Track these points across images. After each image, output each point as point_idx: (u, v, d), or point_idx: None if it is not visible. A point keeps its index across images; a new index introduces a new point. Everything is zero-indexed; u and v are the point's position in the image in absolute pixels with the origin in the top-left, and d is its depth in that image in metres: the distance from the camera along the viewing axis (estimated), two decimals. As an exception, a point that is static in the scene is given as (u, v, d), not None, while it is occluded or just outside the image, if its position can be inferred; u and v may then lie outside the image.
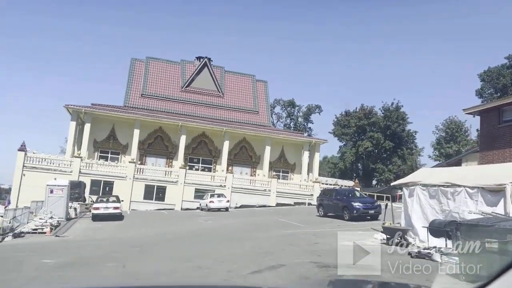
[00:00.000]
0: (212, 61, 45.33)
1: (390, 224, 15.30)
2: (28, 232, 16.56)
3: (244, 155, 40.16)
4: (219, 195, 30.50)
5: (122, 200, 24.82)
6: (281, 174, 40.00)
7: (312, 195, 36.95)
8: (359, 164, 68.54)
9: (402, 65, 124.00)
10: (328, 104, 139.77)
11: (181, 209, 33.62)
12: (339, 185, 39.13)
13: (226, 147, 38.02)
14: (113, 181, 33.23)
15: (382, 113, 69.00)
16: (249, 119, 43.21)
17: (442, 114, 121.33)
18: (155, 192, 33.84)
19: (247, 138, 40.07)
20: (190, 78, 43.33)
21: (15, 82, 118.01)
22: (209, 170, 38.41)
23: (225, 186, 35.08)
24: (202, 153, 39.18)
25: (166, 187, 34.15)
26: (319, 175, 41.39)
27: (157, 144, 38.13)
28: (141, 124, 36.70)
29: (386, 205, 17.11)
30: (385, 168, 65.54)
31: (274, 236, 15.20)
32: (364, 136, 67.94)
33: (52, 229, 17.23)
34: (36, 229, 16.78)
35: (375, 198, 30.44)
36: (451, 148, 58.66)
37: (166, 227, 19.88)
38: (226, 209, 29.37)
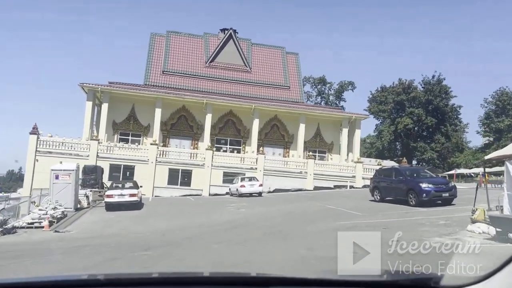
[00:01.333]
0: (237, 33, 41.45)
1: (494, 211, 11.30)
2: (23, 227, 13.51)
3: (276, 135, 36.42)
4: (250, 179, 27.00)
5: (141, 186, 21.58)
6: (317, 154, 36.03)
7: (354, 176, 33.06)
8: (397, 143, 63.52)
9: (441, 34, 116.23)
10: (362, 80, 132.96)
11: (209, 194, 30.40)
12: (383, 166, 34.89)
13: (256, 126, 34.34)
14: (134, 166, 30.22)
15: (422, 87, 63.57)
16: (280, 95, 39.31)
17: (489, 87, 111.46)
18: (180, 177, 30.66)
19: (279, 116, 36.27)
20: (214, 53, 39.64)
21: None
22: (238, 151, 34.92)
23: (256, 168, 31.55)
24: (230, 133, 35.68)
25: (192, 170, 30.91)
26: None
27: (181, 125, 34.85)
28: (163, 103, 33.44)
29: (478, 186, 13.00)
30: (427, 147, 60.44)
31: (329, 230, 11.46)
32: (403, 112, 62.77)
33: (53, 222, 14.11)
34: (32, 223, 13.69)
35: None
36: (503, 122, 52.94)
37: (191, 218, 16.50)
38: (259, 194, 25.86)
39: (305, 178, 32.20)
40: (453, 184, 17.64)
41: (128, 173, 29.64)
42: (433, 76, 62.73)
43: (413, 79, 63.56)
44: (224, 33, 40.61)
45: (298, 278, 2.10)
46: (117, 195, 18.59)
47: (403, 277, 2.37)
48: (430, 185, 15.99)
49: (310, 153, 35.62)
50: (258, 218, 15.25)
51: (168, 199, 27.35)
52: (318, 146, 36.95)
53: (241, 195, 25.45)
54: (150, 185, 29.10)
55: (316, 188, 32.08)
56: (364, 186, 32.20)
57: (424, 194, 15.76)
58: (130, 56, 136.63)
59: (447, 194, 15.94)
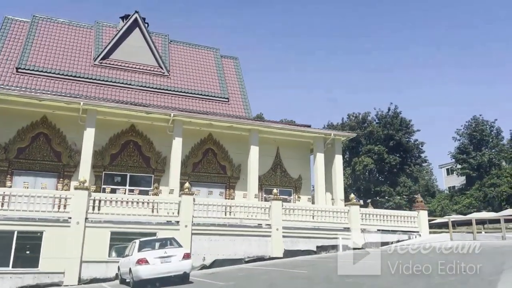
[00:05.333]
0: (148, 25, 27.89)
1: None
2: None
3: (213, 166, 22.06)
4: (163, 243, 12.16)
5: None
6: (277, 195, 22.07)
7: (348, 229, 19.38)
8: (361, 187, 51.81)
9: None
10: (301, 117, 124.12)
11: (80, 281, 14.73)
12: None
13: (177, 150, 19.80)
14: None
15: (377, 122, 53.94)
16: (215, 110, 25.59)
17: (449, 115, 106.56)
18: (13, 248, 14.58)
19: (216, 136, 22.25)
20: (109, 46, 25.32)
21: None
22: (146, 193, 19.84)
23: (177, 223, 16.67)
24: (131, 163, 20.62)
25: (43, 233, 15.09)
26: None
27: (37, 149, 19.20)
28: (4, 113, 18.01)
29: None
30: (393, 191, 49.43)
31: None
32: (360, 150, 52.09)
33: None
34: None
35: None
36: (484, 156, 43.82)
37: None
38: (184, 277, 11.14)
39: (268, 235, 17.84)
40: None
41: None
42: (389, 109, 53.74)
43: (368, 111, 53.92)
44: (125, 22, 26.70)
45: None
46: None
47: None
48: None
49: (266, 194, 21.62)
50: None
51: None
52: (280, 182, 23.10)
53: (142, 282, 10.50)
54: None
55: (288, 253, 17.86)
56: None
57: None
58: None
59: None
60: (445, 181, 61.94)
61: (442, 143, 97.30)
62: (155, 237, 13.45)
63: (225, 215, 17.75)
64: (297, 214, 18.82)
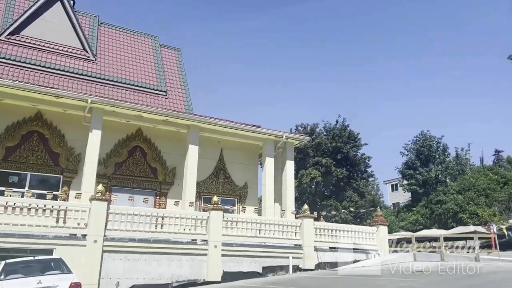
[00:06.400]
0: (75, 2, 23.75)
1: None
2: None
3: (141, 168, 18.21)
4: (42, 266, 8.36)
5: None
6: (219, 205, 18.67)
7: (299, 246, 16.35)
8: (307, 201, 49.32)
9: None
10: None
11: None
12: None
13: (94, 145, 15.84)
14: None
15: (325, 134, 52.29)
16: (151, 103, 21.78)
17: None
18: None
19: (146, 132, 18.51)
20: (22, 19, 20.86)
21: None
22: (55, 197, 15.59)
23: (83, 237, 12.69)
24: (32, 159, 16.28)
25: None
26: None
27: None
28: None
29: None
30: (339, 205, 47.59)
31: None
32: (307, 162, 49.97)
33: None
34: None
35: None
36: (430, 172, 43.17)
37: None
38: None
39: (204, 254, 14.30)
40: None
41: None
42: (337, 121, 52.31)
43: (317, 123, 52.09)
44: (46, -7, 22.32)
45: None
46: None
47: None
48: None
49: (205, 204, 18.09)
50: None
51: None
52: (222, 190, 19.68)
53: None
54: None
55: (227, 276, 14.42)
56: (319, 266, 16.23)
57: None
58: None
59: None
60: (389, 197, 61.63)
61: (388, 159, 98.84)
62: (31, 258, 9.45)
63: (150, 228, 14.00)
64: (241, 228, 15.46)
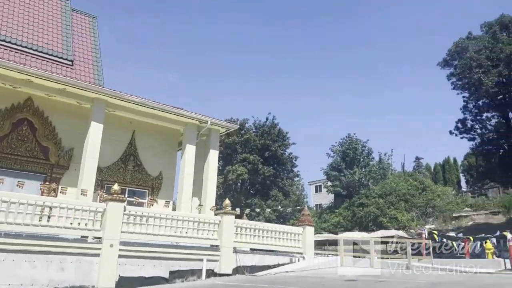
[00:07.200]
0: None
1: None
2: None
3: (27, 145, 14.81)
4: None
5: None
6: (126, 196, 15.85)
7: (216, 246, 14.15)
8: (231, 199, 47.17)
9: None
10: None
11: None
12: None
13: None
14: None
15: (255, 131, 50.81)
16: (53, 72, 18.20)
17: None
18: None
19: (39, 102, 15.14)
20: None
21: None
22: None
23: None
24: None
25: None
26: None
27: None
28: None
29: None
30: (263, 204, 46.29)
31: None
32: (235, 158, 48.09)
33: None
34: None
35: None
36: (354, 175, 43.34)
37: None
38: None
39: (95, 254, 11.45)
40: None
41: None
42: (267, 119, 51.03)
43: (247, 118, 50.38)
44: None
45: None
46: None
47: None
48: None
49: (107, 194, 15.15)
50: None
51: None
52: (131, 179, 16.83)
53: None
54: None
55: (124, 282, 11.74)
56: (238, 270, 14.20)
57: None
58: None
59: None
60: (313, 199, 61.80)
61: (314, 161, 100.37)
62: None
63: (24, 220, 10.89)
64: (147, 224, 12.83)
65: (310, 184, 63.15)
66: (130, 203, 13.59)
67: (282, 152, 49.02)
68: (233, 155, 48.12)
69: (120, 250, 11.86)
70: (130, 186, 16.64)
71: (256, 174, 46.90)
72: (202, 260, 13.46)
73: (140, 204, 15.32)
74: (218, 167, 49.48)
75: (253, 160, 46.31)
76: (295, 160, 51.43)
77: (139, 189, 17.00)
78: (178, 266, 13.01)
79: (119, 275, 11.74)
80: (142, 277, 12.19)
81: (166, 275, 12.68)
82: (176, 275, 12.86)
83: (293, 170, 52.06)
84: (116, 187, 12.24)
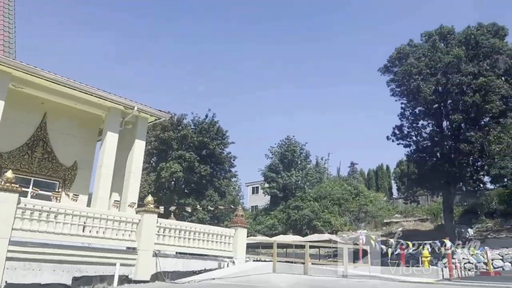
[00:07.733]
0: None
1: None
2: None
3: None
4: None
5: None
6: (30, 189, 13.54)
7: (134, 249, 12.34)
8: (163, 198, 44.67)
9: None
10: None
11: None
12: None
13: None
14: None
15: (193, 128, 48.84)
16: None
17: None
18: None
19: None
20: None
21: None
22: None
23: None
24: None
25: None
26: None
27: None
28: None
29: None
30: (197, 204, 44.39)
31: None
32: (169, 155, 45.74)
33: None
34: None
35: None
36: (291, 177, 42.92)
37: None
38: None
39: (-24, 257, 9.29)
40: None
41: None
42: (206, 116, 49.28)
43: (185, 113, 48.23)
44: None
45: None
46: None
47: None
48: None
49: (8, 179, 12.76)
50: None
51: None
52: (38, 168, 14.47)
53: None
54: None
55: (12, 289, 9.65)
56: (157, 277, 12.54)
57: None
58: None
59: None
60: (249, 200, 60.91)
61: (253, 162, 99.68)
62: None
63: None
64: (47, 220, 10.76)
65: (247, 185, 62.24)
66: (24, 195, 11.38)
67: (220, 151, 47.50)
68: (168, 151, 45.81)
69: (9, 251, 9.74)
70: (37, 176, 14.31)
71: (192, 172, 44.96)
72: (114, 264, 11.62)
73: (34, 195, 12.98)
74: (151, 163, 47.25)
75: (189, 157, 44.34)
76: (234, 160, 50.12)
77: (48, 180, 14.69)
78: (85, 271, 11.07)
79: (6, 282, 9.63)
80: (37, 283, 10.15)
81: (69, 282, 10.70)
82: (81, 281, 10.92)
83: (230, 170, 50.69)
84: (9, 174, 10.06)
